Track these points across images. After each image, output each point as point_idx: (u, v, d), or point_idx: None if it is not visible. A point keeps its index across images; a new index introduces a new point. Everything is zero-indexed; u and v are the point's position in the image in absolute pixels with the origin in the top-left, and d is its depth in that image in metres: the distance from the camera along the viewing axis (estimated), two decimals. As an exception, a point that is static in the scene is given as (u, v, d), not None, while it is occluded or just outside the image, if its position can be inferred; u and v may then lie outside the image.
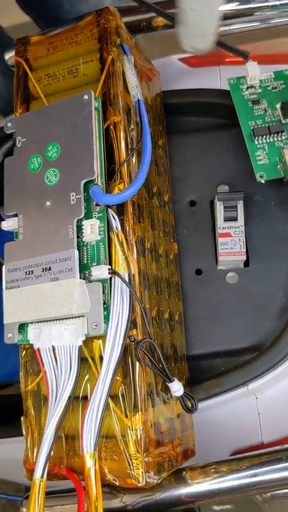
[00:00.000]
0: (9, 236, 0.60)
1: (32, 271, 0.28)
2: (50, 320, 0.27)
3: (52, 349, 0.27)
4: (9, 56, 0.42)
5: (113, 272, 0.26)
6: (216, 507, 0.34)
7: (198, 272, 0.36)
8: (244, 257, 0.34)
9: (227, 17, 0.36)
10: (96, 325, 0.26)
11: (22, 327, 0.28)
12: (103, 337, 0.27)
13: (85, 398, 0.27)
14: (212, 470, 0.30)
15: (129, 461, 0.26)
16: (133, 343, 0.26)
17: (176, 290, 0.34)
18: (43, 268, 0.27)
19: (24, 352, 0.29)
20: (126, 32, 0.31)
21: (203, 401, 0.34)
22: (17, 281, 0.28)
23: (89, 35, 0.31)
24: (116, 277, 0.26)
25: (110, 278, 0.26)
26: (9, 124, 0.30)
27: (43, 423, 0.28)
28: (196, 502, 0.30)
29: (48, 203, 0.28)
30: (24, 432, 0.29)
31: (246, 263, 0.35)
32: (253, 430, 0.35)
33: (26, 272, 0.28)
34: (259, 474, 0.29)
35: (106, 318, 0.26)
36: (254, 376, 0.33)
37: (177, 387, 0.27)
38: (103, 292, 0.26)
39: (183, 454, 0.31)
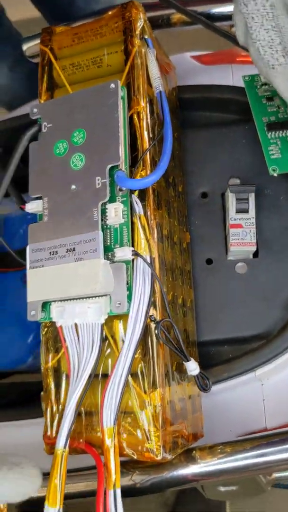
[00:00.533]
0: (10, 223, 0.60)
1: (56, 252, 0.29)
2: (73, 299, 0.28)
3: (74, 326, 0.28)
4: (28, 46, 0.43)
5: (136, 254, 0.27)
6: (222, 488, 0.35)
7: (209, 261, 0.37)
8: (254, 248, 0.35)
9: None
10: (119, 304, 0.27)
11: (45, 305, 0.29)
12: (123, 317, 0.28)
13: (104, 376, 0.28)
14: (219, 450, 0.31)
15: (148, 435, 0.27)
16: (153, 322, 0.27)
17: (188, 278, 0.35)
18: (67, 249, 0.28)
19: (45, 330, 0.30)
20: (148, 26, 0.33)
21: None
22: (41, 260, 0.29)
23: (114, 27, 0.32)
24: (139, 259, 0.27)
25: (132, 260, 0.27)
26: (35, 110, 0.31)
27: (63, 399, 0.29)
28: (204, 481, 0.31)
29: (73, 186, 0.29)
30: (43, 407, 0.30)
31: (255, 254, 0.36)
32: (258, 416, 0.36)
33: (50, 252, 0.29)
34: (265, 455, 0.31)
35: (129, 298, 0.27)
36: (262, 362, 0.34)
37: (193, 366, 0.28)
38: (126, 273, 0.27)
39: (193, 435, 0.32)
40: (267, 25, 0.27)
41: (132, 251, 0.27)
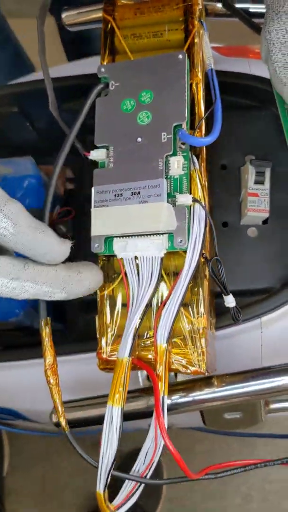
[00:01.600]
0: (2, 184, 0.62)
1: (121, 194, 0.33)
2: (135, 235, 0.32)
3: (134, 260, 0.32)
4: (66, 15, 0.46)
5: (195, 200, 0.32)
6: (227, 416, 0.41)
7: (225, 224, 0.42)
8: (267, 214, 0.41)
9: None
10: (181, 241, 0.31)
11: (106, 240, 0.33)
12: (174, 254, 0.33)
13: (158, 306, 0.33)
14: (236, 377, 0.36)
15: (196, 353, 0.32)
16: (204, 259, 0.32)
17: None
18: (132, 192, 0.32)
19: (102, 262, 0.34)
20: (203, 11, 0.38)
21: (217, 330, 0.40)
22: (106, 201, 0.33)
23: (175, 7, 0.37)
24: (196, 204, 0.32)
25: (190, 206, 0.32)
26: (103, 69, 0.35)
27: (117, 322, 0.33)
28: (222, 402, 0.36)
29: (139, 139, 0.33)
30: (97, 329, 0.33)
31: (265, 221, 0.42)
32: (256, 359, 0.42)
33: (115, 195, 0.33)
34: (265, 383, 0.36)
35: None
36: (266, 311, 0.40)
37: (231, 299, 0.34)
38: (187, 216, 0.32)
39: (211, 365, 0.37)
40: (285, 50, 0.33)
41: (192, 197, 0.32)
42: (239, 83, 0.45)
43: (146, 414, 0.36)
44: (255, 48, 0.50)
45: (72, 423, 0.33)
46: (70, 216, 0.59)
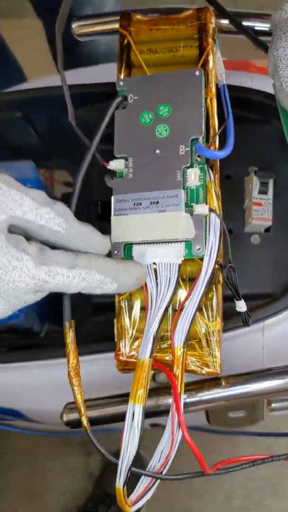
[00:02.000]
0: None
1: (140, 203, 0.34)
2: (154, 243, 0.34)
3: (152, 266, 0.34)
4: (75, 26, 0.47)
5: (211, 210, 0.34)
6: (231, 414, 0.43)
7: (229, 231, 0.44)
8: (270, 223, 0.43)
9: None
10: (199, 248, 0.33)
11: (125, 247, 0.34)
12: (191, 262, 0.34)
13: (173, 310, 0.34)
14: (242, 378, 0.38)
15: (211, 354, 0.33)
16: (219, 266, 0.34)
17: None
18: (151, 201, 0.34)
19: (120, 269, 0.36)
20: (216, 29, 0.39)
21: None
22: (125, 209, 0.34)
23: (190, 25, 0.38)
24: (212, 214, 0.34)
25: (206, 215, 0.34)
26: (121, 83, 0.37)
27: (134, 325, 0.35)
28: (230, 402, 0.38)
29: (157, 151, 0.35)
30: (116, 331, 0.35)
31: (267, 229, 0.44)
32: (257, 361, 0.44)
33: (134, 204, 0.34)
34: (273, 383, 0.38)
35: (203, 245, 0.34)
36: (269, 315, 0.42)
37: (243, 304, 0.36)
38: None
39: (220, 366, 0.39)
40: None
41: (209, 208, 0.34)
42: (243, 97, 0.47)
43: (155, 413, 0.38)
44: (255, 63, 0.53)
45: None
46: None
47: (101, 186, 0.47)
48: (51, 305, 0.53)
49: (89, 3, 0.74)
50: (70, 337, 0.32)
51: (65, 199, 0.62)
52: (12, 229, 0.29)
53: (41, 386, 0.48)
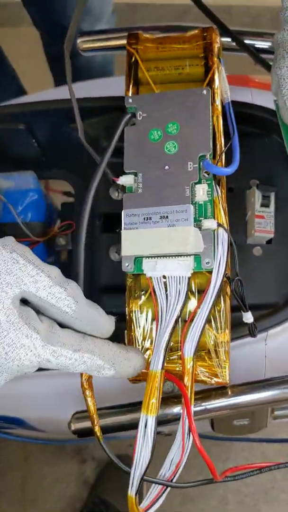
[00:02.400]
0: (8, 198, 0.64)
1: (150, 218, 0.35)
2: (164, 256, 0.35)
3: (162, 278, 0.35)
4: (80, 41, 0.49)
5: (219, 225, 0.35)
6: (236, 422, 0.44)
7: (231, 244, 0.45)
8: (272, 235, 0.44)
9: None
10: (208, 262, 0.34)
11: (135, 260, 0.35)
12: (199, 275, 0.35)
13: (183, 321, 0.35)
14: (247, 388, 0.39)
15: (220, 365, 0.34)
16: (227, 279, 0.35)
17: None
18: (161, 216, 0.35)
19: (130, 280, 0.37)
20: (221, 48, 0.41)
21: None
22: (135, 224, 0.35)
23: (195, 44, 0.39)
24: (220, 229, 0.35)
25: (214, 230, 0.35)
26: (130, 100, 0.38)
27: (145, 337, 0.36)
28: (235, 410, 0.39)
29: (166, 167, 0.36)
30: (126, 342, 0.36)
31: (269, 241, 0.46)
32: (260, 369, 0.45)
33: (144, 218, 0.35)
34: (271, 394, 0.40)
35: (212, 259, 0.35)
36: (272, 325, 0.44)
37: (250, 316, 0.37)
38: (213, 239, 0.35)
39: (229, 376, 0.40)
40: None
41: (217, 223, 0.35)
42: (245, 112, 0.48)
43: (161, 422, 0.39)
44: (255, 78, 0.54)
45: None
46: (71, 229, 0.61)
47: (105, 198, 0.48)
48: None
49: (88, 14, 0.75)
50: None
51: (65, 208, 0.63)
52: (23, 300, 0.29)
53: (46, 394, 0.49)
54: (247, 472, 0.35)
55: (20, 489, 1.11)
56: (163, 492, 0.34)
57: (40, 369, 0.48)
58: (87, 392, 0.33)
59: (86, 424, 0.39)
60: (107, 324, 0.32)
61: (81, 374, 0.33)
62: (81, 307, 0.30)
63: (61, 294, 0.29)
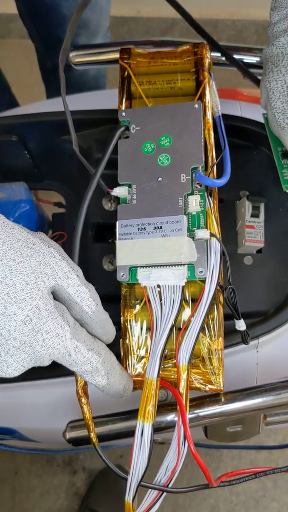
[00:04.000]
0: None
1: (144, 228, 0.36)
2: (158, 266, 0.36)
3: (157, 288, 0.35)
4: (73, 55, 0.49)
5: (212, 235, 0.36)
6: (229, 429, 0.44)
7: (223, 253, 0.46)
8: (262, 244, 0.45)
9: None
10: (201, 271, 0.35)
11: (130, 269, 0.36)
12: (192, 283, 0.36)
13: (178, 329, 0.36)
14: (240, 394, 0.40)
15: (214, 372, 0.35)
16: (220, 287, 0.36)
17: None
18: (154, 227, 0.36)
19: (124, 290, 0.37)
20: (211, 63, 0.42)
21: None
22: (130, 234, 0.36)
23: (186, 59, 0.41)
24: (213, 238, 0.36)
25: (207, 240, 0.36)
26: (124, 114, 0.39)
27: (140, 345, 0.36)
28: (228, 417, 0.40)
29: (160, 179, 0.37)
30: (122, 351, 0.36)
31: (259, 251, 0.47)
32: (251, 376, 0.46)
33: (138, 228, 0.36)
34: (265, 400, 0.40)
35: (205, 268, 0.35)
36: (263, 332, 0.44)
37: (242, 323, 0.38)
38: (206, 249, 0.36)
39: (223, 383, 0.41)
40: (282, 99, 0.38)
41: (210, 233, 0.36)
42: (234, 125, 0.49)
43: (155, 429, 0.39)
44: (243, 91, 0.55)
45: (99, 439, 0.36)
46: (62, 240, 0.61)
47: (96, 209, 0.49)
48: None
49: (84, 28, 0.76)
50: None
51: (56, 218, 0.63)
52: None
53: (39, 404, 0.49)
54: (242, 478, 0.36)
55: (9, 502, 1.10)
56: (159, 498, 0.35)
57: (33, 379, 0.49)
58: (83, 400, 0.34)
59: (82, 432, 0.40)
60: (112, 330, 0.33)
61: (76, 382, 0.34)
62: (99, 310, 0.32)
63: (86, 294, 0.31)
